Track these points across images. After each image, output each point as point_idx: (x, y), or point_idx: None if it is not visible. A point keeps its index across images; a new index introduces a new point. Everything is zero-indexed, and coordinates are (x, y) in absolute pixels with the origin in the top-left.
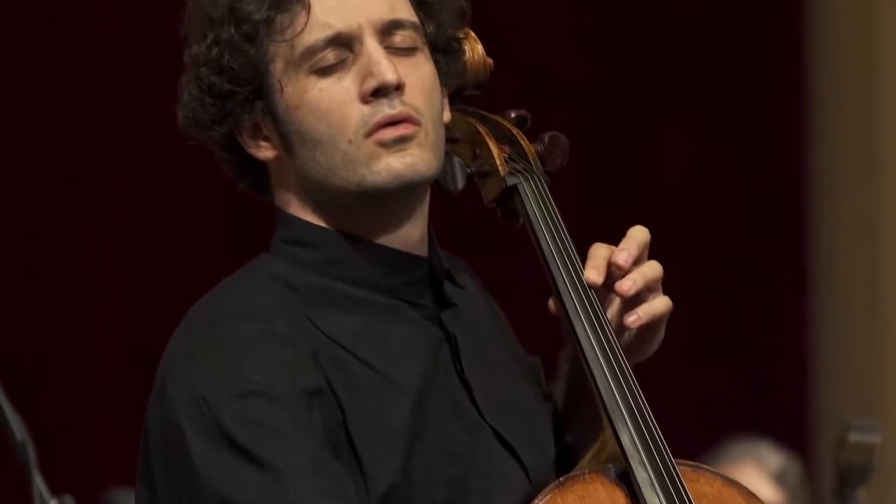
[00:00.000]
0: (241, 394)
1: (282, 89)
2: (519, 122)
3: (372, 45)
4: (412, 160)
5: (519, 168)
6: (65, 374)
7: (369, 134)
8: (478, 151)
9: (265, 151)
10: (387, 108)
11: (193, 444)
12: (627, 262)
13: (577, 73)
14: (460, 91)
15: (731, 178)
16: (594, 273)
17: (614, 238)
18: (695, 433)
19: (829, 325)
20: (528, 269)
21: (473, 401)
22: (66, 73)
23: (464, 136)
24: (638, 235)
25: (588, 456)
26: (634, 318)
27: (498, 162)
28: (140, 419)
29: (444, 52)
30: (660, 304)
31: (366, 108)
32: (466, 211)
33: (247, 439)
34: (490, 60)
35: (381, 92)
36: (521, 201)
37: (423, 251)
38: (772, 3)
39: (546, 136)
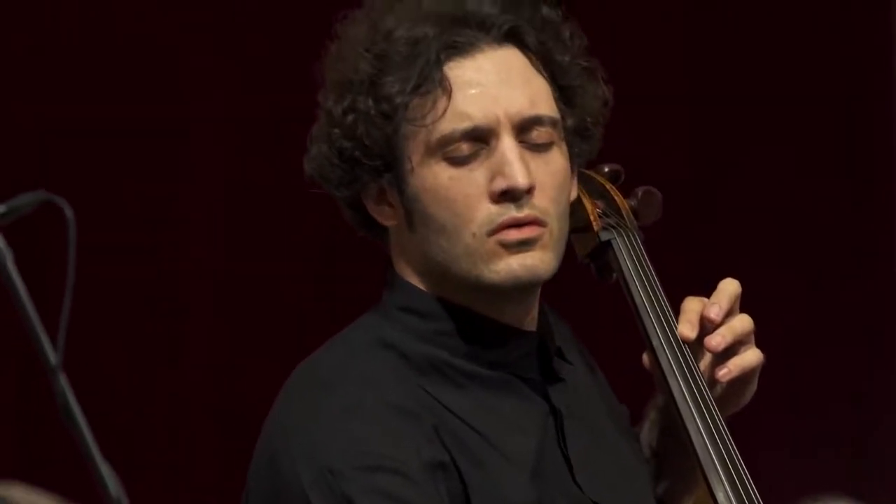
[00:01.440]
0: (370, 467)
1: (412, 169)
2: (612, 177)
3: (507, 143)
4: (532, 263)
5: (612, 223)
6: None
7: (493, 233)
8: (572, 207)
9: (388, 219)
10: (514, 211)
11: None
12: (718, 315)
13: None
14: None
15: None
16: (688, 328)
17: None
18: (789, 488)
19: None
20: (621, 324)
21: (573, 477)
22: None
23: None
24: (729, 289)
25: None
26: (725, 372)
27: (592, 217)
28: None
29: (580, 137)
30: (750, 357)
31: (493, 207)
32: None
33: None
34: None
35: (508, 194)
36: (615, 256)
37: (533, 326)
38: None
39: (640, 191)
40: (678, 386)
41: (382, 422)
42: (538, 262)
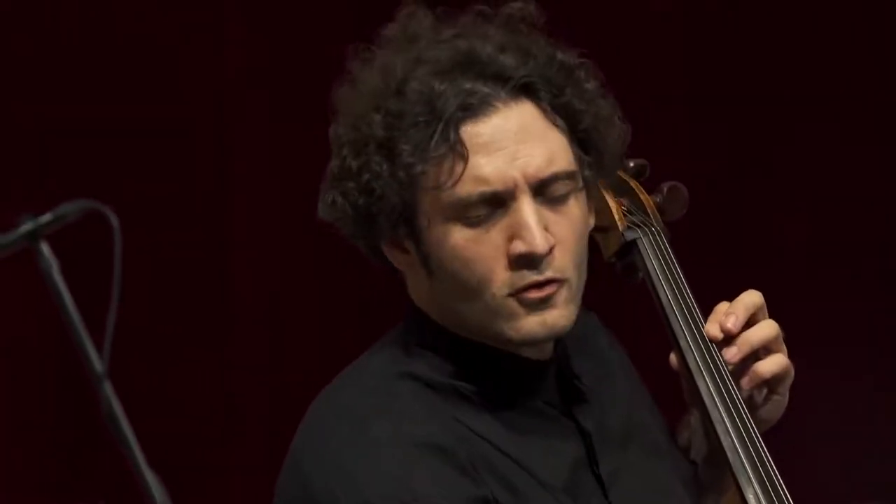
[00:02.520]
0: (412, 501)
1: (428, 226)
2: (637, 173)
3: (526, 205)
4: (552, 321)
5: (637, 221)
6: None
7: (514, 293)
8: (595, 206)
9: (404, 264)
10: (534, 275)
11: None
12: (736, 326)
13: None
14: None
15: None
16: (715, 328)
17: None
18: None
19: None
20: (648, 323)
21: (606, 496)
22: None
23: None
24: (747, 299)
25: None
26: (745, 381)
27: (616, 216)
28: None
29: (599, 173)
30: (769, 364)
31: (512, 272)
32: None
33: None
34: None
35: (528, 259)
36: (640, 255)
37: (549, 353)
38: None
39: (665, 187)
40: (706, 385)
41: (424, 459)
42: (558, 318)
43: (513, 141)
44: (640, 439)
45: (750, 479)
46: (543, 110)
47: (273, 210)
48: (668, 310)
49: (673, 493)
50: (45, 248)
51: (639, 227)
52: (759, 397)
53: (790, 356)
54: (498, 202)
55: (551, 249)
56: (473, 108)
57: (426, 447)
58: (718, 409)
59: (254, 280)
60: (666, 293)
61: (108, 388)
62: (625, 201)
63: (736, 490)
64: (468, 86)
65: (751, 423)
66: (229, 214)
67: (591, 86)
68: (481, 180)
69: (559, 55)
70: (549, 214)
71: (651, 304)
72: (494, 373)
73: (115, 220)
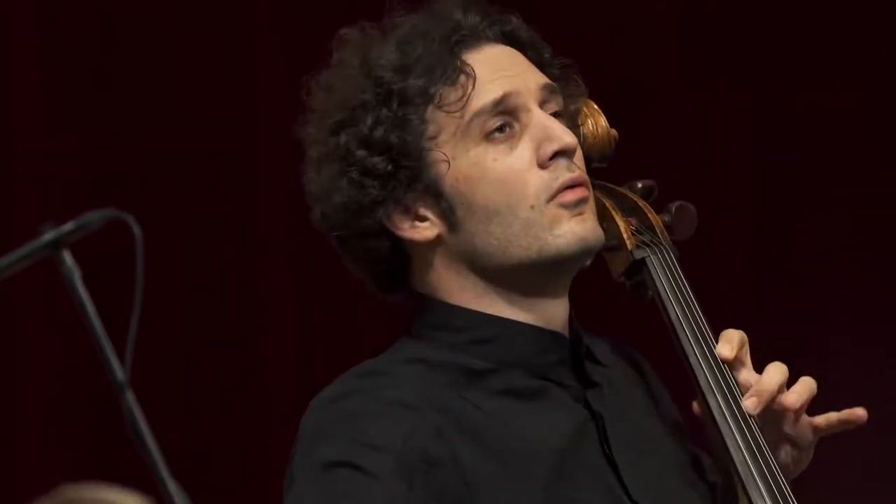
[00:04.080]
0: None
1: (449, 163)
2: (646, 194)
3: (539, 113)
4: (591, 225)
5: (646, 241)
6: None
7: (552, 198)
8: (604, 225)
9: (423, 231)
10: (567, 172)
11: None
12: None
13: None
14: (586, 165)
15: None
16: (727, 348)
17: None
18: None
19: None
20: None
21: (620, 480)
22: None
23: None
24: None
25: None
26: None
27: (625, 236)
28: None
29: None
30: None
31: (545, 173)
32: (595, 287)
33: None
34: (615, 132)
35: (560, 154)
36: (650, 274)
37: (566, 331)
38: None
39: (673, 206)
40: (717, 403)
41: (381, 412)
42: (594, 224)
43: (509, 63)
44: (660, 433)
45: (762, 494)
46: (525, 55)
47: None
48: (678, 328)
49: (690, 484)
50: (68, 257)
51: (648, 246)
52: (787, 456)
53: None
54: (512, 112)
55: (576, 148)
56: (466, 41)
57: (389, 404)
58: (729, 425)
59: (287, 284)
60: (676, 311)
61: (130, 397)
62: (633, 221)
63: (747, 501)
64: (455, 29)
65: (762, 440)
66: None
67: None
68: (492, 90)
69: (515, 19)
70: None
71: (662, 322)
72: (509, 346)
73: (137, 229)
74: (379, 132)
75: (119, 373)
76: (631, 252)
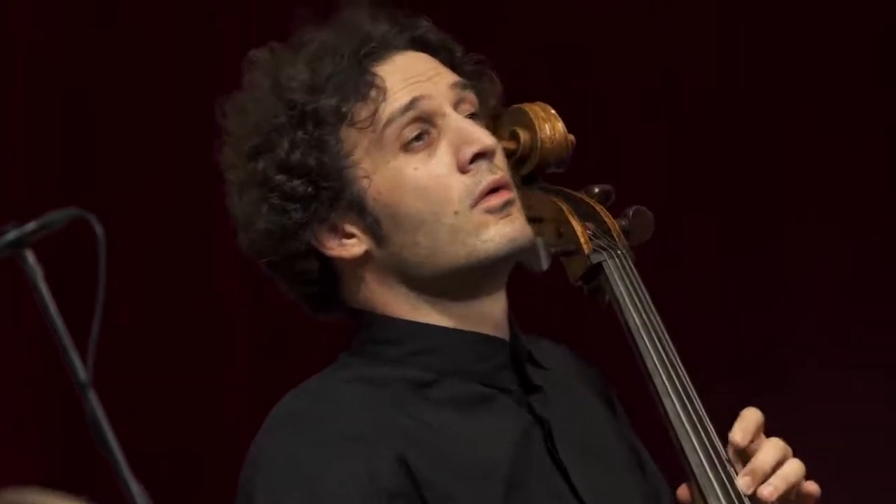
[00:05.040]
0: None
1: (369, 178)
2: (602, 198)
3: (455, 116)
4: (520, 224)
5: (603, 245)
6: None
7: (476, 203)
8: (561, 230)
9: (351, 249)
10: (489, 175)
11: None
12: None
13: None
14: (542, 170)
15: None
16: (739, 436)
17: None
18: None
19: None
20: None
21: (570, 483)
22: None
23: (547, 216)
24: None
25: None
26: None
27: (582, 240)
28: None
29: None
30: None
31: (467, 178)
32: (554, 291)
33: None
34: (572, 136)
35: (480, 157)
36: (607, 279)
37: (505, 334)
38: None
39: (630, 211)
40: (673, 406)
41: (331, 450)
42: (524, 225)
43: (419, 68)
44: (608, 448)
45: (719, 498)
46: (436, 58)
47: None
48: (634, 332)
49: (636, 484)
50: (31, 257)
51: (605, 250)
52: None
53: None
54: (427, 119)
55: (495, 150)
56: (375, 54)
57: (344, 440)
58: (686, 429)
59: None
60: (633, 315)
61: (92, 397)
62: (590, 225)
63: (702, 500)
64: (364, 42)
65: (719, 445)
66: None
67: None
68: (401, 97)
69: (423, 21)
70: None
71: (619, 326)
72: (450, 354)
73: (100, 229)
74: (296, 156)
75: (81, 373)
76: (588, 256)
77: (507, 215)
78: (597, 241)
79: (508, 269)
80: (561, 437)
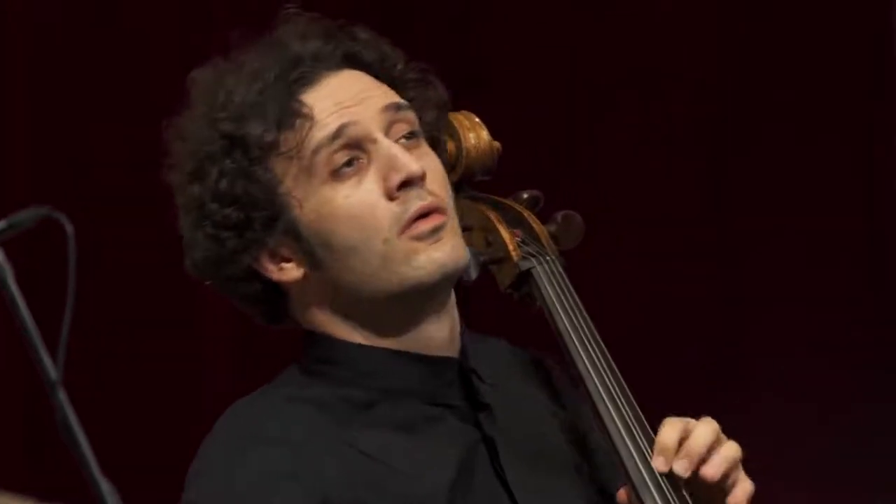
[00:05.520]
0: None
1: (300, 205)
2: (531, 204)
3: (384, 142)
4: (451, 249)
5: (532, 251)
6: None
7: (403, 230)
8: (490, 238)
9: (290, 273)
10: (417, 201)
11: None
12: (686, 472)
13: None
14: (469, 178)
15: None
16: (660, 461)
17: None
18: None
19: None
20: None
21: (514, 500)
22: None
23: (475, 224)
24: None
25: None
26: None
27: (510, 247)
28: None
29: (430, 145)
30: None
31: (395, 206)
32: (484, 299)
33: None
34: (497, 144)
35: (407, 184)
36: (536, 286)
37: (454, 352)
38: None
39: (559, 216)
40: (606, 409)
41: (262, 483)
42: (453, 247)
43: (352, 93)
44: (559, 459)
45: (654, 497)
46: (372, 75)
47: None
48: (565, 337)
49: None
50: (0, 256)
51: (534, 256)
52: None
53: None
54: (357, 145)
55: (424, 177)
56: (305, 79)
57: (283, 477)
58: (620, 432)
59: None
60: (563, 321)
61: (62, 396)
62: (519, 232)
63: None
64: (294, 69)
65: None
66: None
67: (399, 55)
68: (328, 124)
69: (360, 31)
70: (408, 151)
71: (550, 332)
72: (394, 375)
73: (70, 228)
74: (223, 185)
75: (52, 372)
76: (517, 264)
77: (437, 240)
78: (525, 247)
79: (447, 292)
80: (506, 453)
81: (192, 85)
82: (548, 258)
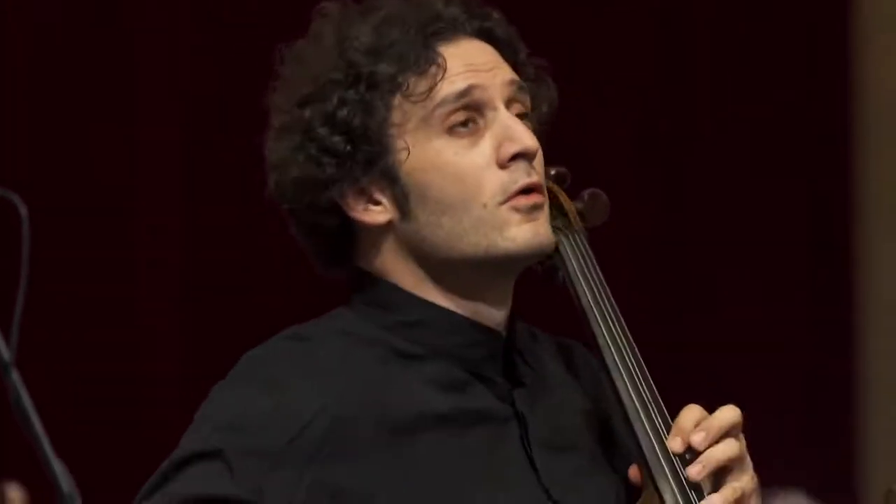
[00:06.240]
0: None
1: (409, 150)
2: (558, 180)
3: (505, 112)
4: (543, 230)
5: (559, 225)
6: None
7: (506, 200)
8: None
9: (375, 216)
10: (525, 176)
11: None
12: (702, 444)
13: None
14: None
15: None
16: (678, 443)
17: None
18: None
19: (878, 374)
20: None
21: (539, 479)
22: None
23: None
24: (723, 418)
25: None
26: (698, 469)
27: None
28: None
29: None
30: (724, 449)
31: (504, 174)
32: None
33: None
34: None
35: (520, 157)
36: (562, 259)
37: (503, 329)
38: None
39: (586, 194)
40: (624, 385)
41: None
42: (546, 230)
43: (481, 58)
44: (589, 452)
45: (668, 478)
46: (498, 51)
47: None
48: (587, 311)
49: (612, 491)
50: None
51: (560, 230)
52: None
53: None
54: (477, 108)
55: (537, 152)
56: (443, 33)
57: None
58: (637, 410)
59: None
60: (587, 295)
61: (15, 377)
62: None
63: (653, 490)
64: (434, 20)
65: (669, 423)
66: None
67: (523, 45)
68: (458, 82)
69: (495, 14)
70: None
71: (572, 306)
72: (438, 332)
73: (24, 209)
74: (342, 112)
75: (4, 352)
76: None
77: (534, 219)
78: (553, 221)
79: (518, 271)
80: (536, 433)
81: (320, 16)
82: (574, 233)
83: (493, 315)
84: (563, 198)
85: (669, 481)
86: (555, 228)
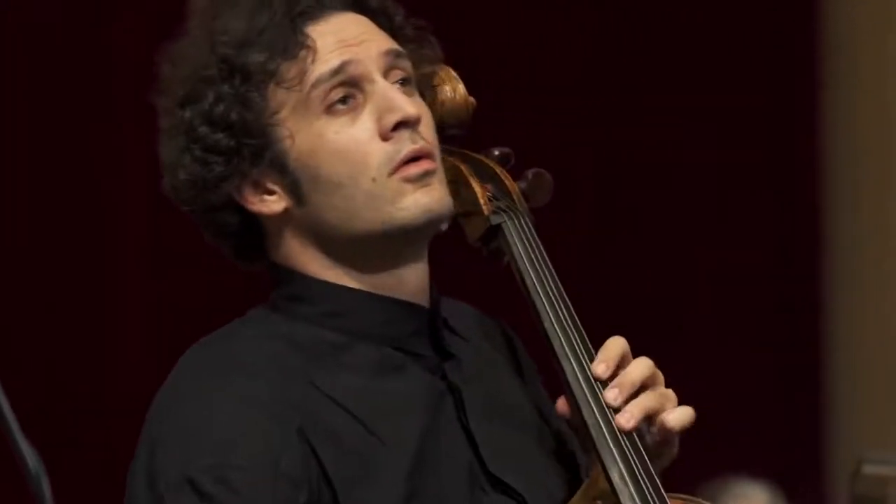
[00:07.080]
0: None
1: (292, 138)
2: (502, 160)
3: (382, 83)
4: (438, 195)
5: (503, 206)
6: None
7: (394, 171)
8: (461, 191)
9: (271, 205)
10: (410, 144)
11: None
12: (605, 373)
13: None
14: (442, 131)
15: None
16: (601, 367)
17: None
18: (698, 465)
19: (844, 352)
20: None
21: (477, 453)
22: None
23: (447, 177)
24: (612, 347)
25: (578, 494)
26: (627, 418)
27: (482, 201)
28: None
29: (421, 96)
30: (650, 401)
31: (387, 145)
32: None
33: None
34: (472, 99)
35: (402, 126)
36: (506, 240)
37: (424, 301)
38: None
39: (530, 173)
40: (571, 367)
41: (244, 425)
42: (442, 194)
43: (353, 32)
44: (523, 419)
45: (615, 459)
46: (374, 22)
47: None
48: (532, 291)
49: (553, 459)
50: None
51: (504, 212)
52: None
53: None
54: (354, 83)
55: (419, 119)
56: (309, 13)
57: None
58: (583, 389)
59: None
60: (531, 277)
61: None
62: (490, 187)
63: (601, 469)
64: (299, 3)
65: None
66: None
67: (399, 8)
68: (330, 60)
69: None
70: (404, 94)
71: (517, 287)
72: (364, 317)
73: None
74: (219, 109)
75: None
76: (487, 218)
77: (426, 185)
78: (496, 202)
79: (427, 238)
80: (472, 406)
81: (193, 10)
82: (518, 214)
83: (410, 288)
84: (506, 178)
85: (618, 463)
86: (498, 210)
